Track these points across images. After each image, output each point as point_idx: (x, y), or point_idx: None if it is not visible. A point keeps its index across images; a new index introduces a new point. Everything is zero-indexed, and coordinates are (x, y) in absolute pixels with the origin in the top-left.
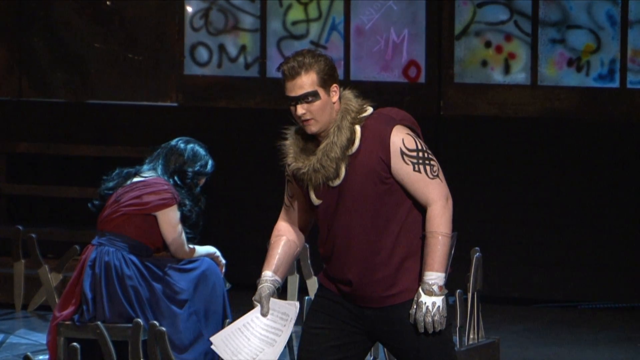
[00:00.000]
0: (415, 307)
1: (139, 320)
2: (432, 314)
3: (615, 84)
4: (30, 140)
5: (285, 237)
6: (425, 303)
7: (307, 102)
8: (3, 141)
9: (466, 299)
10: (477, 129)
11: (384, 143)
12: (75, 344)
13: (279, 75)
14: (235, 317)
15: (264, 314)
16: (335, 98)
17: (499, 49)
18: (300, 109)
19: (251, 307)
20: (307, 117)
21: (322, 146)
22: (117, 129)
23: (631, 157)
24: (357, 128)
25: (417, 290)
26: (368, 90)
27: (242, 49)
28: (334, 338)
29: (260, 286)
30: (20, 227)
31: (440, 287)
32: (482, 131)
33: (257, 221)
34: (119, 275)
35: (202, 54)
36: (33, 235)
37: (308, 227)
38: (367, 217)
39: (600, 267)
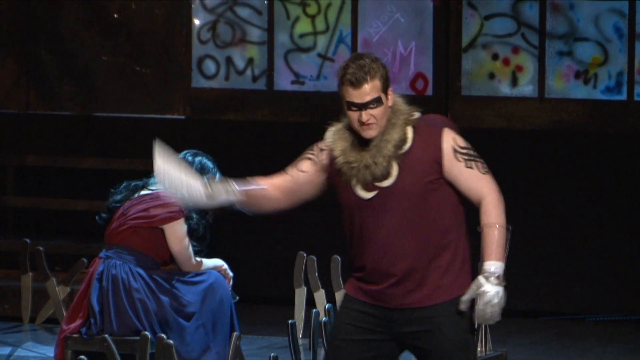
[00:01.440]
0: (476, 296)
1: (147, 333)
2: (496, 303)
3: (623, 96)
4: (38, 153)
5: (266, 189)
6: (488, 292)
7: (372, 108)
8: (10, 154)
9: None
10: (484, 141)
11: (437, 142)
12: (82, 357)
13: (287, 87)
14: (244, 330)
15: (205, 187)
16: (391, 102)
17: (506, 62)
18: (366, 116)
19: (258, 320)
20: (371, 121)
21: (375, 142)
22: (124, 141)
23: (639, 169)
24: (409, 128)
25: (453, 295)
26: None
27: (250, 61)
28: (363, 350)
29: (225, 182)
30: (28, 240)
31: (502, 277)
32: (489, 144)
33: (265, 234)
34: (127, 288)
35: (210, 66)
36: (40, 248)
37: (282, 204)
38: (413, 216)
39: (608, 280)
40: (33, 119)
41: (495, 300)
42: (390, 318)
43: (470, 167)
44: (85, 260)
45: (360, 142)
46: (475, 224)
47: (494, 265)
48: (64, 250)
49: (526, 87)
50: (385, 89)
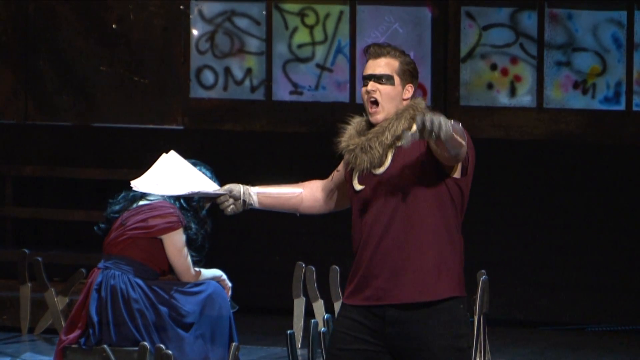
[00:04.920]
0: (420, 128)
1: (145, 343)
2: (436, 118)
3: (621, 107)
4: (36, 163)
5: (301, 191)
6: (425, 114)
7: (380, 83)
8: (9, 164)
9: (472, 322)
10: (483, 151)
11: None
12: None
13: (285, 98)
14: (242, 341)
15: (214, 189)
16: (406, 95)
17: (504, 72)
18: (372, 86)
19: (257, 330)
20: (375, 96)
21: (375, 128)
22: (122, 152)
23: (637, 179)
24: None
25: (443, 293)
26: None
27: (248, 71)
28: (359, 359)
29: (240, 185)
30: (27, 251)
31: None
32: (488, 154)
33: (263, 244)
34: (125, 299)
35: (208, 77)
36: (39, 259)
37: (328, 206)
38: (400, 208)
39: (607, 290)
40: (31, 129)
41: (434, 116)
42: (383, 332)
43: None
44: (83, 270)
45: (366, 130)
46: (471, 226)
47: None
48: (63, 261)
49: (524, 97)
50: (402, 76)
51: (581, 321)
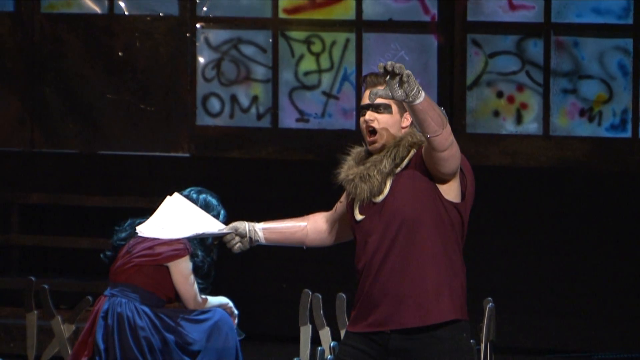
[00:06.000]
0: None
1: None
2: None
3: (627, 134)
4: (42, 191)
5: (305, 224)
6: None
7: (378, 112)
8: (15, 192)
9: (479, 350)
10: (489, 179)
11: (419, 153)
12: None
13: (291, 125)
14: None
15: (220, 228)
16: (405, 124)
17: (510, 99)
18: (369, 115)
19: (264, 358)
20: (374, 125)
21: (374, 157)
22: (129, 179)
23: None
24: (413, 151)
25: (445, 316)
26: None
27: (254, 99)
28: None
29: (245, 222)
30: (33, 278)
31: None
32: (494, 181)
33: (269, 271)
34: (132, 326)
35: (214, 104)
36: (45, 286)
37: (332, 238)
38: (404, 236)
39: (614, 317)
40: (37, 157)
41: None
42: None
43: None
44: (90, 298)
45: (365, 159)
46: (477, 253)
47: None
48: (69, 288)
49: (531, 125)
50: (400, 103)
51: (588, 348)
